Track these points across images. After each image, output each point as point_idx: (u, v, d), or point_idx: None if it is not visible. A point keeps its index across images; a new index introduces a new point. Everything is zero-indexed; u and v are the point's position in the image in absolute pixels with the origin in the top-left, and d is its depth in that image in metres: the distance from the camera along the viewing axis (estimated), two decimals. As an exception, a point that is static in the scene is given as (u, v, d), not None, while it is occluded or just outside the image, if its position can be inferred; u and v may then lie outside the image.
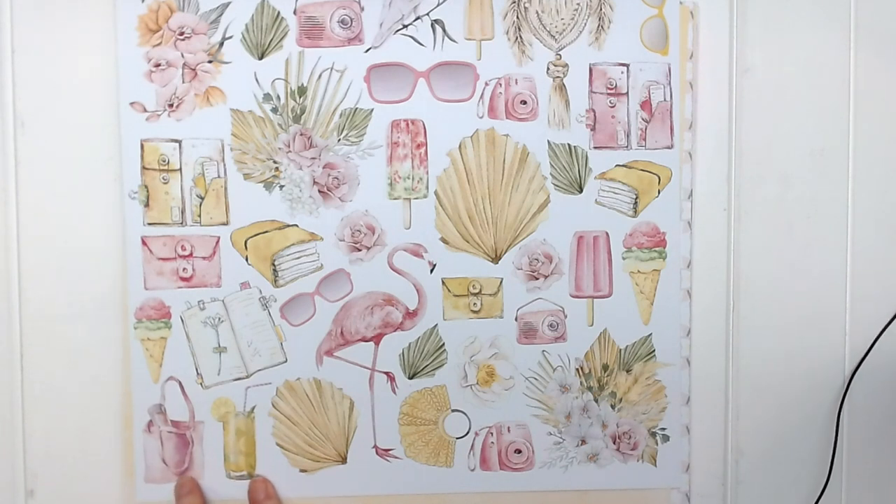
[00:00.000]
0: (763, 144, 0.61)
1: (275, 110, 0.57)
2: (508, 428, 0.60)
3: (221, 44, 0.57)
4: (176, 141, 0.57)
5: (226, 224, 0.57)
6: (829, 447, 0.62)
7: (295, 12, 0.57)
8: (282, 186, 0.57)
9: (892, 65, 0.61)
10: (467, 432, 0.60)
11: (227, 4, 0.56)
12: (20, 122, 0.56)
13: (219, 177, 0.57)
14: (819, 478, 0.62)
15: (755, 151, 0.61)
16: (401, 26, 0.57)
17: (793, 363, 0.62)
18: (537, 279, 0.59)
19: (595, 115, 0.59)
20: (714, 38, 0.60)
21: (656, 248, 0.60)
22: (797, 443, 0.62)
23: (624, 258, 0.59)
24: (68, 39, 0.56)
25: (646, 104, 0.59)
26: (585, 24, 0.58)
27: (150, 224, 0.57)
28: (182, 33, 0.56)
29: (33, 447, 0.57)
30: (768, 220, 0.61)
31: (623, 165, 0.59)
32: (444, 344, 0.59)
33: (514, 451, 0.60)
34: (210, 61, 0.57)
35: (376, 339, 0.59)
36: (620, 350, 0.60)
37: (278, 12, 0.57)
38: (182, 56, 0.56)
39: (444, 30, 0.58)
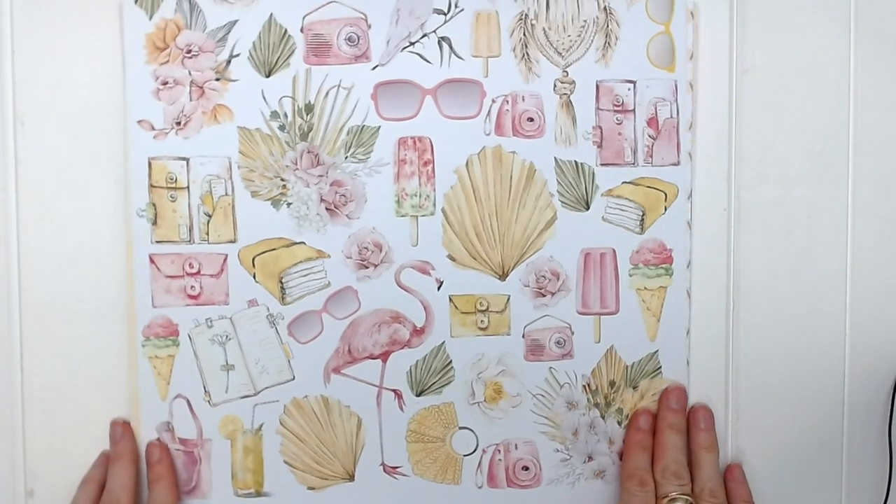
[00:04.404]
0: (763, 144, 0.61)
1: (282, 128, 0.57)
2: (516, 445, 0.60)
3: (229, 62, 0.57)
4: (184, 159, 0.57)
5: (233, 242, 0.57)
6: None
7: (302, 30, 0.57)
8: (289, 204, 0.57)
9: (892, 65, 0.61)
10: (475, 449, 0.60)
11: (235, 22, 0.56)
12: (20, 122, 0.56)
13: (226, 194, 0.57)
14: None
15: (755, 151, 0.61)
16: (408, 44, 0.57)
17: (793, 363, 0.62)
18: (544, 296, 0.59)
19: (602, 132, 0.59)
20: (714, 38, 0.60)
21: (663, 265, 0.60)
22: (797, 442, 0.62)
23: (631, 275, 0.60)
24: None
25: (652, 121, 0.59)
26: (592, 41, 0.58)
27: (157, 242, 0.57)
28: (189, 51, 0.56)
29: (33, 447, 0.57)
30: (768, 220, 0.61)
31: (630, 182, 0.59)
32: (451, 361, 0.59)
33: (522, 468, 0.60)
34: (217, 79, 0.57)
35: (384, 356, 0.59)
36: (627, 367, 0.60)
37: (285, 30, 0.57)
38: (189, 74, 0.56)
39: (450, 47, 0.58)
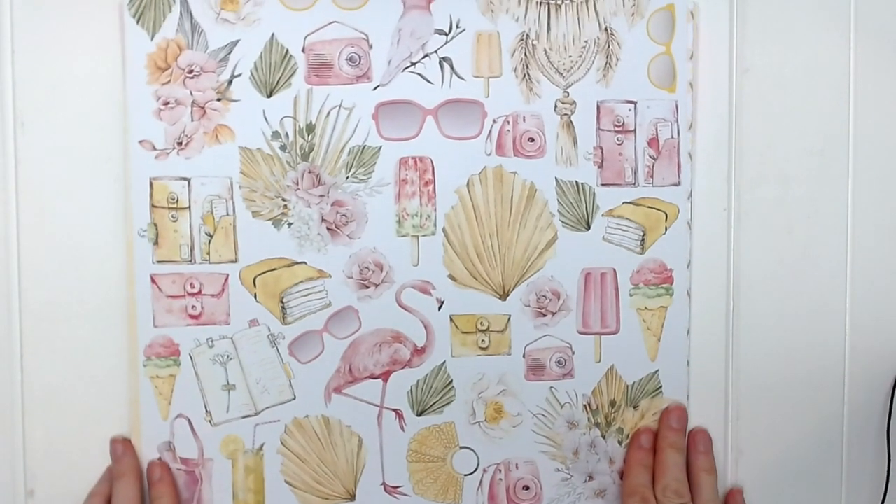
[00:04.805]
0: (763, 144, 0.61)
1: (283, 148, 0.57)
2: (516, 464, 0.60)
3: (230, 82, 0.57)
4: (185, 179, 0.57)
5: (234, 262, 0.57)
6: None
7: (303, 50, 0.57)
8: (290, 224, 0.57)
9: (892, 65, 0.61)
10: (475, 469, 0.60)
11: (236, 42, 0.56)
12: (20, 122, 0.56)
13: (227, 214, 0.57)
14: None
15: (755, 151, 0.61)
16: (409, 64, 0.58)
17: (793, 363, 0.62)
18: (545, 316, 0.59)
19: (602, 153, 0.59)
20: (714, 38, 0.60)
21: (663, 285, 0.60)
22: (797, 442, 0.62)
23: (631, 295, 0.60)
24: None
25: (653, 141, 0.59)
26: (593, 62, 0.59)
27: (159, 262, 0.57)
28: (191, 71, 0.56)
29: (33, 447, 0.57)
30: (768, 220, 0.61)
31: (630, 202, 0.59)
32: (452, 381, 0.59)
33: (523, 488, 0.60)
34: (219, 99, 0.57)
35: (384, 376, 0.59)
36: (627, 386, 0.60)
37: (286, 50, 0.57)
38: (191, 94, 0.56)
39: (452, 67, 0.58)
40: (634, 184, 0.59)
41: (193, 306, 0.57)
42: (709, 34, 0.60)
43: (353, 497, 0.59)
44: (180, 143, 0.57)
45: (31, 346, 0.57)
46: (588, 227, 0.59)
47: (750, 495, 0.61)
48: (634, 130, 0.59)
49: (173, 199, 0.57)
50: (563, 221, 0.59)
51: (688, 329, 0.60)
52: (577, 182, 0.59)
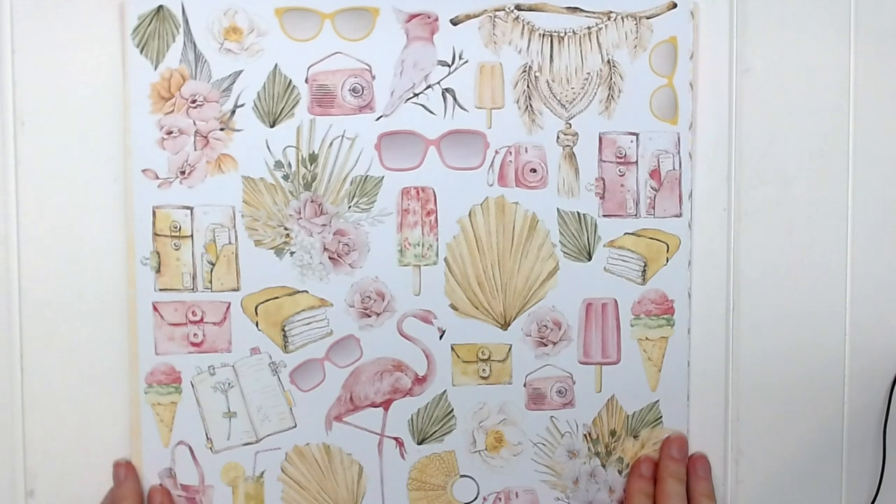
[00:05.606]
0: (763, 144, 0.61)
1: (286, 177, 0.57)
2: (517, 493, 0.60)
3: (233, 112, 0.57)
4: (188, 208, 0.57)
5: (236, 290, 0.58)
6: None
7: (306, 80, 0.57)
8: (292, 253, 0.58)
9: (892, 65, 0.62)
10: (475, 497, 0.60)
11: (240, 73, 0.56)
12: (20, 122, 0.56)
13: (230, 243, 0.57)
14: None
15: (755, 151, 0.61)
16: (412, 95, 0.58)
17: (793, 363, 0.62)
18: (546, 345, 0.60)
19: (604, 184, 0.59)
20: (714, 38, 0.60)
21: (664, 316, 0.60)
22: (797, 442, 0.62)
23: (632, 325, 0.60)
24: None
25: (655, 173, 0.59)
26: (595, 94, 0.59)
27: (161, 290, 0.57)
28: (194, 101, 0.56)
29: (33, 447, 0.57)
30: (768, 220, 0.61)
31: (632, 233, 0.60)
32: (452, 410, 0.59)
33: (522, 517, 0.60)
34: (222, 129, 0.57)
35: (385, 404, 0.59)
36: (628, 416, 0.60)
37: (290, 80, 0.57)
38: (194, 124, 0.57)
39: (454, 98, 0.58)
40: (636, 215, 0.60)
41: (195, 334, 0.57)
42: (709, 34, 0.60)
43: (353, 525, 0.59)
44: (183, 173, 0.57)
45: (31, 346, 0.57)
46: (589, 258, 0.59)
47: (750, 495, 0.62)
48: (636, 162, 0.59)
49: (176, 227, 0.57)
50: (564, 252, 0.59)
51: (688, 329, 0.60)
52: (578, 213, 0.59)
